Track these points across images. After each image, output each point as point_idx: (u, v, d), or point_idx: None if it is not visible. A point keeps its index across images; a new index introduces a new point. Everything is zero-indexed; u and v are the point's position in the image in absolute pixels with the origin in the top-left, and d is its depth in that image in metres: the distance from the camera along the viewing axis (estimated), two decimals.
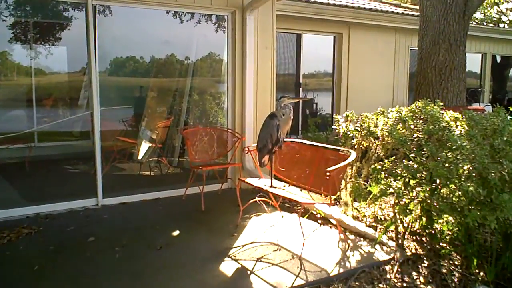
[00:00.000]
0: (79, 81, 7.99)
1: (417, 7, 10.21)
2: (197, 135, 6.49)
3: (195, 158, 6.27)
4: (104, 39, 6.20)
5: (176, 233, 4.89)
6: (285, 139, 4.89)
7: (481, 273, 3.95)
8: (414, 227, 4.68)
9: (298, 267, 4.01)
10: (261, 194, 5.57)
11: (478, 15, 25.34)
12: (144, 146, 7.68)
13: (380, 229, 4.91)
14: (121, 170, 7.36)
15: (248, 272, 3.92)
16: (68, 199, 5.70)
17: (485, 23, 22.32)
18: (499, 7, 26.80)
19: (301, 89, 10.23)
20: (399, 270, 4.06)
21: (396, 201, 4.39)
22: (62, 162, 7.72)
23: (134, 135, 7.83)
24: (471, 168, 3.82)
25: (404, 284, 3.84)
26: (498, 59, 15.08)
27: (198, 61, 7.82)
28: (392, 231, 4.78)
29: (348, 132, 5.30)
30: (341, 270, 3.97)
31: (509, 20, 26.89)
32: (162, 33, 7.26)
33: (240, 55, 6.60)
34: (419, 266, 4.14)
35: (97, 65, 5.73)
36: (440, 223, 4.46)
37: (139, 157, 7.63)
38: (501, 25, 25.88)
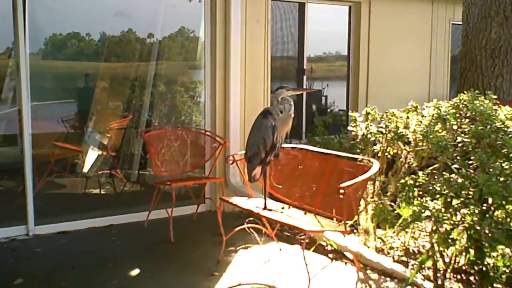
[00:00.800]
0: (3, 67, 7.94)
1: None
2: (164, 140, 6.49)
3: (162, 171, 6.27)
4: (37, 10, 6.18)
5: (135, 272, 4.88)
6: (283, 145, 4.90)
7: None
8: (458, 262, 4.70)
9: None
10: (251, 219, 5.56)
11: None
12: (92, 155, 7.66)
13: (412, 265, 4.92)
14: (60, 187, 7.33)
15: None
16: None
17: None
18: None
19: (305, 77, 10.23)
20: None
21: (434, 228, 4.40)
22: None
23: (77, 139, 7.80)
24: None
25: None
26: None
27: (166, 39, 7.83)
28: (429, 268, 4.80)
29: (369, 135, 5.32)
30: None
31: None
32: (116, 2, 7.26)
33: (223, 31, 6.62)
34: None
35: (27, 45, 5.71)
36: (493, 256, 4.48)
37: (85, 170, 7.60)
38: None
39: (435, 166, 4.84)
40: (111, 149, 7.70)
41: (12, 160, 6.84)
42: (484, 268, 4.51)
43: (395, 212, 5.06)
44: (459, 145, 4.51)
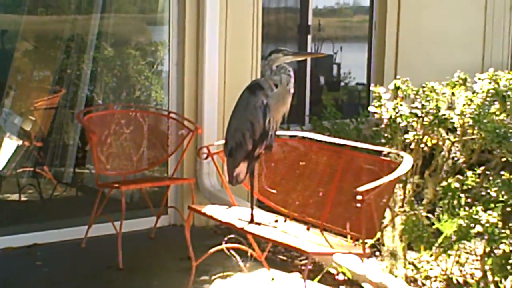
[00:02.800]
0: None
1: None
2: (111, 125, 6.49)
3: (107, 169, 6.28)
4: None
5: None
6: (279, 133, 4.91)
7: None
8: None
9: None
10: (232, 237, 5.58)
11: None
12: (9, 146, 7.64)
13: None
14: None
15: None
16: None
17: None
18: None
19: (310, 37, 10.25)
20: None
21: (488, 249, 4.43)
22: None
23: None
24: None
25: None
26: None
27: None
28: None
29: (399, 119, 5.34)
30: None
31: None
32: None
33: None
34: None
35: None
36: None
37: (0, 167, 7.59)
38: None
39: (490, 163, 4.86)
40: (35, 138, 7.69)
41: None
42: None
43: (434, 227, 5.08)
44: None
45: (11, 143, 7.66)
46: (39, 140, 7.70)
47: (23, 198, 7.46)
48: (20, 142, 7.66)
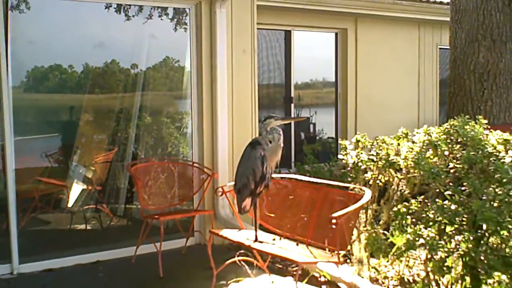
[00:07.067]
0: None
1: None
2: (151, 173, 6.50)
3: (149, 205, 6.27)
4: (19, 43, 6.22)
5: None
6: (273, 175, 4.93)
7: None
8: None
9: None
10: (242, 251, 5.56)
11: None
12: (77, 189, 7.63)
13: None
14: (45, 223, 7.29)
15: None
16: None
17: None
18: None
19: (293, 105, 10.33)
20: None
21: (429, 256, 4.43)
22: None
23: (62, 174, 7.77)
24: None
25: None
26: None
27: (150, 70, 7.87)
28: None
29: (360, 163, 5.36)
30: None
31: None
32: (99, 33, 7.30)
33: (209, 61, 6.68)
34: None
35: (9, 79, 5.73)
36: (489, 284, 4.50)
37: (70, 205, 7.56)
38: None
39: (427, 193, 4.87)
40: (96, 183, 7.68)
41: None
42: None
43: (389, 240, 5.07)
44: (451, 171, 4.56)
45: (78, 187, 7.65)
46: (98, 185, 7.68)
47: (88, 227, 7.42)
48: (85, 186, 7.65)
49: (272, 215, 5.23)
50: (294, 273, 5.15)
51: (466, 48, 8.77)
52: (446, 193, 4.52)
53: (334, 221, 4.12)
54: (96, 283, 5.56)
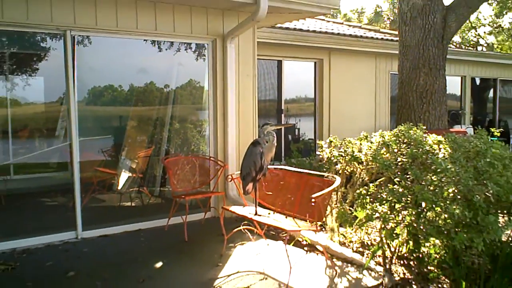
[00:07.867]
0: (56, 112, 7.93)
1: (397, 32, 10.48)
2: (179, 164, 6.49)
3: (177, 188, 6.26)
4: (82, 69, 6.22)
5: (159, 265, 4.85)
6: (269, 166, 4.93)
7: None
8: (401, 251, 4.72)
9: None
10: (245, 222, 5.57)
11: (456, 38, 26.10)
12: (124, 176, 7.63)
13: (367, 254, 4.93)
14: (101, 201, 7.28)
15: None
16: (46, 233, 5.62)
17: (463, 47, 22.97)
18: (476, 31, 27.64)
19: (283, 114, 10.32)
20: None
21: (383, 226, 4.43)
22: (39, 195, 7.59)
23: (114, 165, 7.77)
24: (456, 190, 3.90)
25: None
26: (478, 81, 15.45)
27: (179, 88, 7.86)
28: (379, 256, 4.81)
29: (332, 158, 5.37)
30: None
31: (486, 43, 27.74)
32: (141, 61, 7.30)
33: (222, 82, 6.68)
34: None
35: (76, 95, 5.75)
36: (427, 246, 4.51)
37: (120, 188, 7.56)
38: (479, 48, 26.67)
39: (381, 179, 4.87)
40: (139, 172, 7.67)
41: (64, 182, 6.80)
42: (420, 255, 4.54)
43: (353, 214, 5.08)
44: (399, 164, 4.55)
45: (125, 175, 7.65)
46: (140, 173, 7.68)
47: (133, 204, 7.42)
48: (130, 174, 7.65)
49: (270, 193, 5.23)
50: (284, 238, 5.16)
51: (410, 74, 8.78)
52: (395, 179, 4.52)
53: (313, 200, 4.13)
54: (138, 245, 5.55)
